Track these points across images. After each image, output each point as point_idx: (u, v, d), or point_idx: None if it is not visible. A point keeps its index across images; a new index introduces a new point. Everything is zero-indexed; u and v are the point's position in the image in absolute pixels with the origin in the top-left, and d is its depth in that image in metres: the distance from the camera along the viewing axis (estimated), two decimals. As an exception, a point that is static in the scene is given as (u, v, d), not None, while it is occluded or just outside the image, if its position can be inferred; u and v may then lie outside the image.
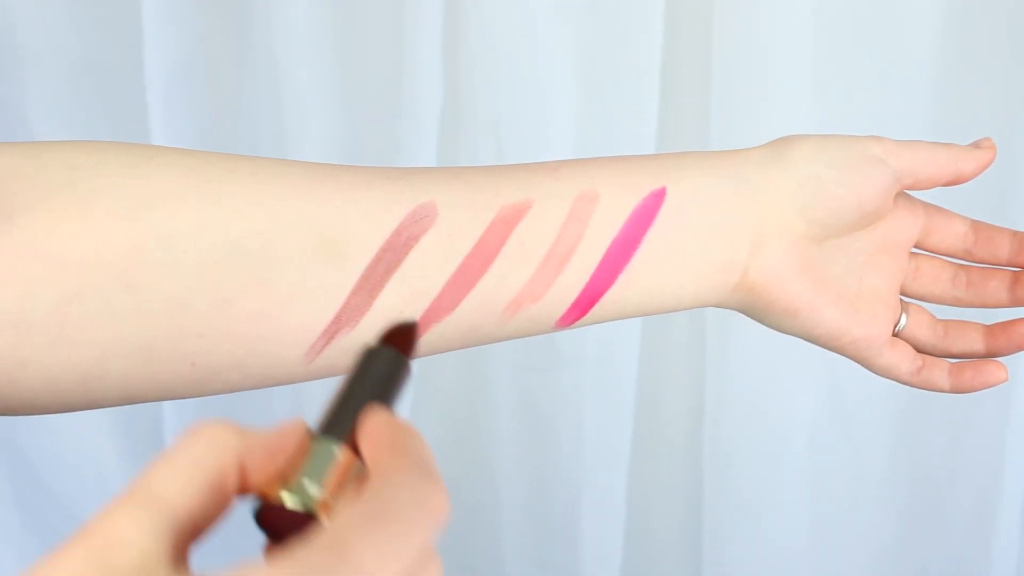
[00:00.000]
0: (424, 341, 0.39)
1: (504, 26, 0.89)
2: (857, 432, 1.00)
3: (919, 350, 0.49)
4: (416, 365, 1.12)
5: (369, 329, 0.38)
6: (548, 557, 1.04)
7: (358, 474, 0.28)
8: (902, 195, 0.48)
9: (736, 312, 0.92)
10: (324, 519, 0.26)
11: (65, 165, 0.35)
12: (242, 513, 0.29)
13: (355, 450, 0.28)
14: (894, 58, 0.90)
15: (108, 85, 0.95)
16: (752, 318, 0.47)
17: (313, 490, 0.27)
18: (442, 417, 1.04)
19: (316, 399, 1.01)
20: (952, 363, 0.49)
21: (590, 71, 0.91)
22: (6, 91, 0.94)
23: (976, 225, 0.49)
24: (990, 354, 0.49)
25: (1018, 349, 0.48)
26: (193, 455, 0.26)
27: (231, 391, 0.38)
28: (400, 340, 0.32)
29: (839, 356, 0.96)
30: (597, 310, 0.42)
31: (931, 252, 0.49)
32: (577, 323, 0.42)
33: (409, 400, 0.98)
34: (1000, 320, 0.49)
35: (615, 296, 0.42)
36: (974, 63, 0.89)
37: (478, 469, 1.05)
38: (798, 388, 0.96)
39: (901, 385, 0.96)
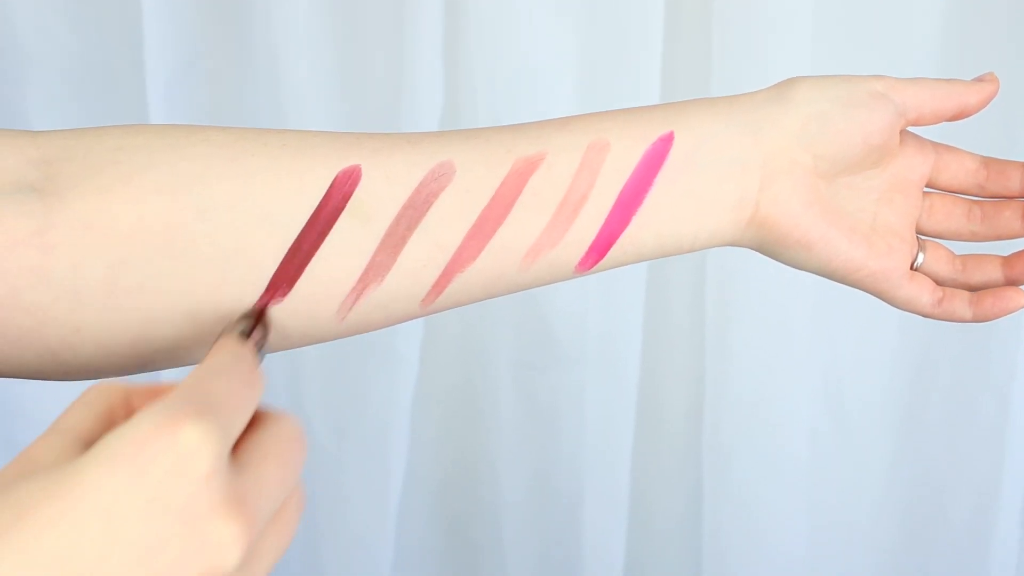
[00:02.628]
0: (449, 292, 0.42)
1: (504, 26, 0.89)
2: (856, 430, 1.00)
3: (939, 283, 0.50)
4: (417, 362, 1.11)
5: (395, 283, 0.40)
6: (550, 555, 1.04)
7: None
8: (910, 135, 0.49)
9: (735, 313, 0.93)
10: None
11: (112, 146, 0.38)
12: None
13: None
14: (894, 58, 0.90)
15: (108, 85, 0.95)
16: (769, 255, 0.48)
17: None
18: (443, 415, 1.04)
19: (316, 399, 1.02)
20: (972, 294, 0.50)
21: (590, 71, 0.91)
22: (6, 91, 0.94)
23: (986, 160, 0.50)
24: (1009, 282, 0.50)
25: None
26: (88, 397, 0.32)
27: (272, 351, 0.40)
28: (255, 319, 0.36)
29: (838, 352, 0.97)
30: (615, 253, 0.44)
31: (944, 190, 0.50)
32: (597, 267, 0.44)
33: (410, 397, 0.98)
34: (1016, 251, 0.50)
35: (631, 238, 0.44)
36: (974, 63, 0.89)
37: (479, 467, 1.05)
38: (798, 386, 0.96)
39: (900, 384, 0.97)
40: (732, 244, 0.47)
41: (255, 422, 0.33)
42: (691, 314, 0.98)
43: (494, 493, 1.04)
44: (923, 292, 0.49)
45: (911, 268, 0.49)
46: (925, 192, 0.50)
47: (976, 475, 0.98)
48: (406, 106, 0.90)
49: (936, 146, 0.50)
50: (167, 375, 1.00)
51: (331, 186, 0.40)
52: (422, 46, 0.89)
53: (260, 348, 0.36)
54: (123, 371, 0.39)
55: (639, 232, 0.44)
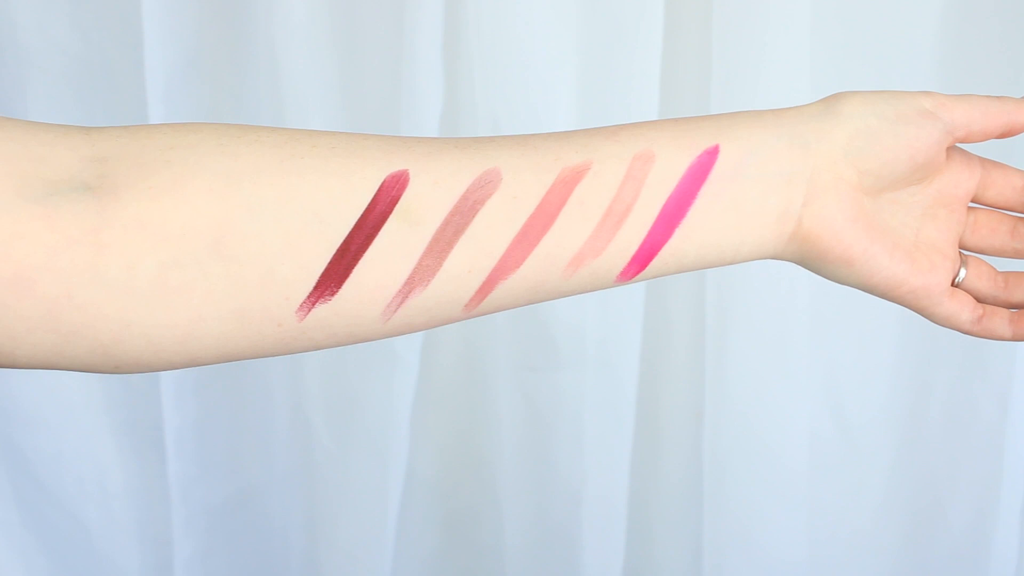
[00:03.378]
0: (492, 298, 0.42)
1: (504, 26, 0.89)
2: (856, 434, 1.00)
3: (979, 300, 0.50)
4: (418, 364, 1.11)
5: (439, 287, 0.41)
6: (549, 558, 1.04)
7: None
8: (958, 150, 0.49)
9: (735, 317, 0.93)
10: None
11: (164, 145, 0.39)
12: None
13: None
14: (893, 56, 0.90)
15: (108, 85, 0.95)
16: (810, 269, 0.48)
17: None
18: (442, 417, 1.04)
19: (316, 399, 1.02)
20: (1012, 312, 0.50)
21: (590, 71, 0.91)
22: (6, 91, 0.94)
23: None
24: None
25: None
26: None
27: (316, 349, 0.41)
28: None
29: (838, 357, 0.97)
30: (657, 264, 0.44)
31: (989, 206, 0.50)
32: (638, 276, 0.44)
33: (410, 399, 0.98)
34: None
35: (673, 249, 0.44)
36: (973, 63, 0.89)
37: (478, 469, 1.05)
38: (798, 390, 0.96)
39: (900, 385, 0.97)
40: (773, 257, 0.47)
41: None
42: (691, 317, 0.98)
43: (494, 494, 1.04)
44: (963, 309, 0.49)
45: (952, 283, 0.49)
46: (969, 207, 0.50)
47: (976, 481, 0.98)
48: (406, 106, 0.90)
49: (983, 162, 0.50)
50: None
51: (379, 189, 0.40)
52: (422, 46, 0.89)
53: None
54: (172, 366, 0.40)
55: (682, 243, 0.44)
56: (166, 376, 1.00)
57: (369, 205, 0.40)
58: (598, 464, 0.99)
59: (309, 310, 0.40)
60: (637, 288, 0.94)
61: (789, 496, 0.99)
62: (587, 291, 0.44)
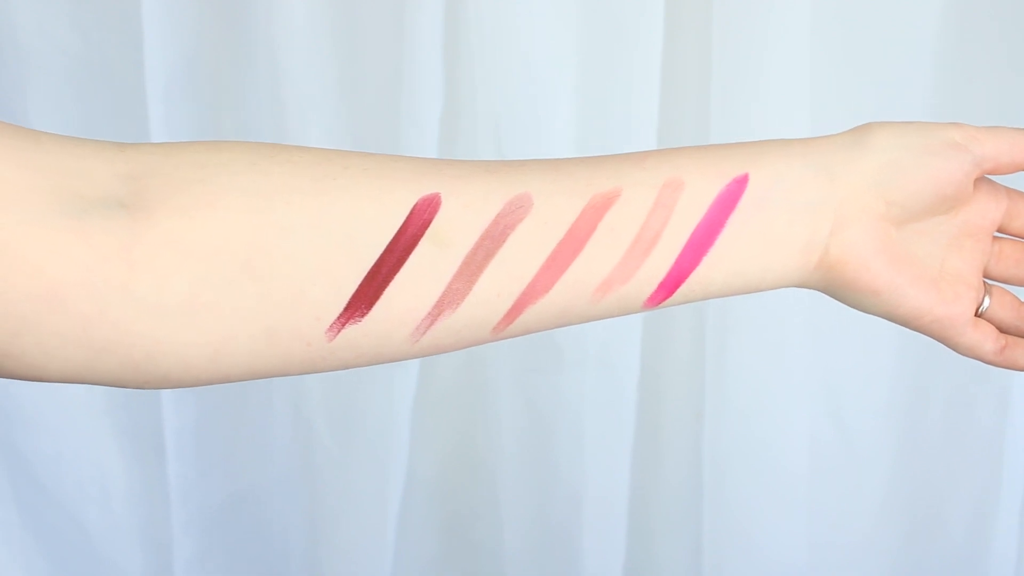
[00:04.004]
0: (520, 321, 0.42)
1: (504, 26, 0.89)
2: (856, 436, 1.00)
3: (1002, 330, 0.50)
4: (418, 364, 1.11)
5: (469, 310, 0.41)
6: (549, 558, 1.04)
7: None
8: (984, 180, 0.49)
9: (735, 316, 0.93)
10: None
11: (197, 163, 0.39)
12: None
13: None
14: (893, 56, 0.90)
15: (108, 85, 0.95)
16: (835, 298, 0.48)
17: None
18: (443, 418, 1.04)
19: (316, 400, 1.01)
20: None
21: (590, 71, 0.91)
22: (6, 91, 0.94)
23: None
24: None
25: None
26: None
27: (344, 368, 0.42)
28: None
29: (838, 360, 0.96)
30: (684, 290, 0.44)
31: (1015, 236, 0.50)
32: (665, 302, 0.45)
33: (411, 399, 0.98)
34: None
35: (700, 277, 0.44)
36: (973, 63, 0.89)
37: (478, 471, 1.05)
38: (798, 391, 0.96)
39: (900, 388, 0.97)
40: (799, 285, 0.47)
41: None
42: (691, 319, 0.97)
43: (494, 494, 1.04)
44: (987, 340, 0.49)
45: (976, 312, 0.49)
46: (995, 237, 0.50)
47: (975, 484, 0.98)
48: (406, 106, 0.90)
49: (1010, 192, 0.50)
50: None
51: (411, 212, 0.40)
52: (422, 46, 0.89)
53: None
54: (200, 383, 0.40)
55: (709, 271, 0.44)
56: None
57: (401, 228, 0.40)
58: (598, 465, 0.99)
59: (339, 331, 0.40)
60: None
61: (789, 497, 0.98)
62: (615, 316, 0.45)
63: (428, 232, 0.40)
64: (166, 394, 1.00)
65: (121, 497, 1.06)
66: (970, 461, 0.98)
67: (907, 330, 0.93)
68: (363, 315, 0.40)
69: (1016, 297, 0.50)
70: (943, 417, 0.98)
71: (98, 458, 1.05)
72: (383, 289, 0.40)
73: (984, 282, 0.50)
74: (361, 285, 0.40)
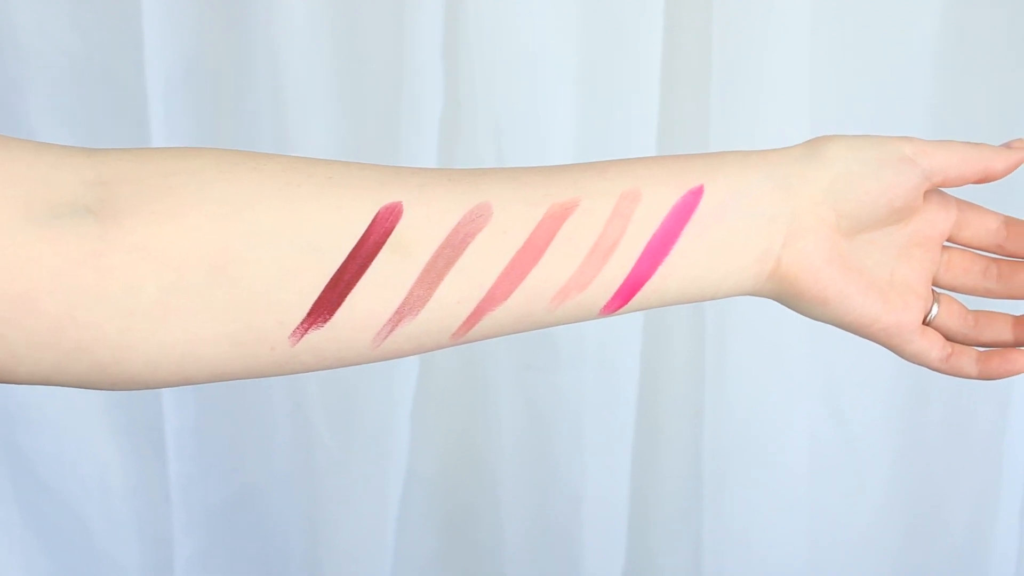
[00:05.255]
0: (479, 328, 0.44)
1: (504, 27, 0.89)
2: (856, 433, 1.00)
3: (950, 338, 0.51)
4: (418, 363, 1.11)
5: (429, 317, 0.42)
6: (549, 558, 1.04)
7: None
8: (935, 191, 0.50)
9: (735, 316, 0.93)
10: None
11: (166, 171, 0.40)
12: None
13: None
14: (893, 55, 0.90)
15: (108, 85, 0.95)
16: (785, 306, 0.50)
17: None
18: (442, 417, 1.04)
19: (316, 399, 1.02)
20: (980, 351, 0.51)
21: (590, 71, 0.91)
22: (6, 91, 0.94)
23: (1008, 220, 0.51)
24: (1018, 343, 0.51)
25: None
26: None
27: (307, 371, 0.43)
28: None
29: (838, 359, 0.96)
30: (639, 298, 0.46)
31: (964, 246, 0.51)
32: (622, 310, 0.46)
33: (410, 398, 0.98)
34: None
35: (656, 285, 0.45)
36: (973, 63, 0.89)
37: (478, 469, 1.05)
38: (797, 389, 0.96)
39: (900, 386, 0.97)
40: (752, 294, 0.48)
41: None
42: (691, 318, 0.97)
43: (494, 493, 1.04)
44: (933, 347, 0.50)
45: (924, 320, 0.50)
46: (945, 246, 0.51)
47: (975, 484, 0.98)
48: (406, 106, 0.90)
49: (960, 203, 0.51)
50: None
51: (373, 221, 0.41)
52: (422, 46, 0.89)
53: None
54: (167, 384, 0.41)
55: (664, 280, 0.45)
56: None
57: (363, 236, 0.41)
58: (598, 464, 0.99)
59: (302, 336, 0.41)
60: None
61: (789, 497, 0.99)
62: (572, 322, 0.46)
63: (390, 240, 0.41)
64: (167, 393, 1.00)
65: (122, 495, 1.07)
66: (970, 461, 0.98)
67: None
68: (326, 321, 0.41)
69: (964, 306, 0.51)
70: (943, 417, 0.98)
71: (99, 457, 1.05)
72: (345, 295, 0.41)
73: (933, 291, 0.51)
74: (324, 291, 0.41)
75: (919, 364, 0.51)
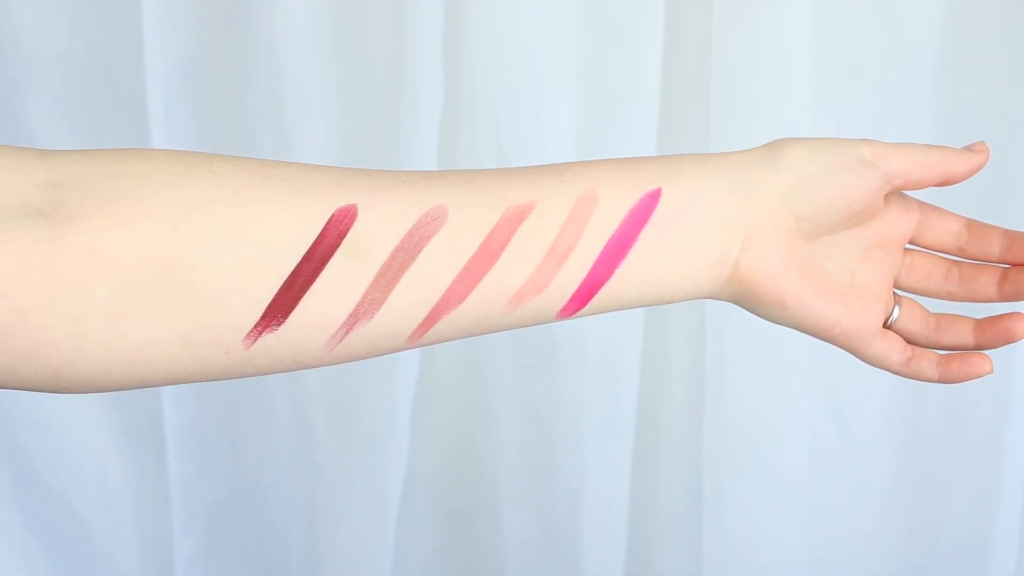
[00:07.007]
0: (435, 331, 0.43)
1: (504, 27, 0.89)
2: (856, 432, 1.00)
3: (911, 341, 0.51)
4: (418, 362, 1.11)
5: (384, 320, 0.42)
6: (549, 558, 1.04)
7: None
8: (897, 194, 0.50)
9: (735, 316, 0.93)
10: None
11: (120, 174, 0.40)
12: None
13: None
14: (894, 56, 0.90)
15: (108, 85, 0.95)
16: (745, 309, 0.49)
17: None
18: (442, 416, 1.04)
19: (315, 398, 1.02)
20: (940, 355, 0.51)
21: (590, 71, 0.91)
22: (6, 91, 0.94)
23: (970, 223, 0.51)
24: (979, 347, 0.51)
25: (1005, 342, 0.50)
26: None
27: (262, 374, 0.42)
28: None
29: (838, 359, 0.96)
30: (596, 302, 0.45)
31: (925, 248, 0.51)
32: (578, 313, 0.45)
33: (410, 398, 0.98)
34: (989, 315, 0.51)
35: (613, 289, 0.45)
36: (974, 64, 0.89)
37: (478, 469, 1.05)
38: (797, 388, 0.96)
39: (900, 387, 0.97)
40: (710, 297, 0.48)
41: None
42: (691, 318, 0.97)
43: (494, 493, 1.04)
44: (893, 351, 0.50)
45: (885, 323, 0.50)
46: (907, 249, 0.51)
47: (975, 485, 0.98)
48: (406, 106, 0.90)
49: (921, 206, 0.51)
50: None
51: (328, 223, 0.41)
52: (422, 46, 0.89)
53: None
54: (120, 387, 0.41)
55: (621, 284, 0.45)
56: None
57: (317, 238, 0.41)
58: (598, 464, 0.99)
59: (256, 339, 0.41)
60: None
61: (789, 498, 0.99)
62: (528, 325, 0.45)
63: (344, 243, 0.41)
64: (166, 393, 1.00)
65: (121, 495, 1.07)
66: (970, 461, 0.98)
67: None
68: (280, 324, 0.41)
69: (925, 309, 0.51)
70: (943, 417, 0.98)
71: (98, 456, 1.05)
72: (299, 298, 0.41)
73: (894, 294, 0.51)
74: (278, 294, 0.40)
75: (879, 367, 0.51)
